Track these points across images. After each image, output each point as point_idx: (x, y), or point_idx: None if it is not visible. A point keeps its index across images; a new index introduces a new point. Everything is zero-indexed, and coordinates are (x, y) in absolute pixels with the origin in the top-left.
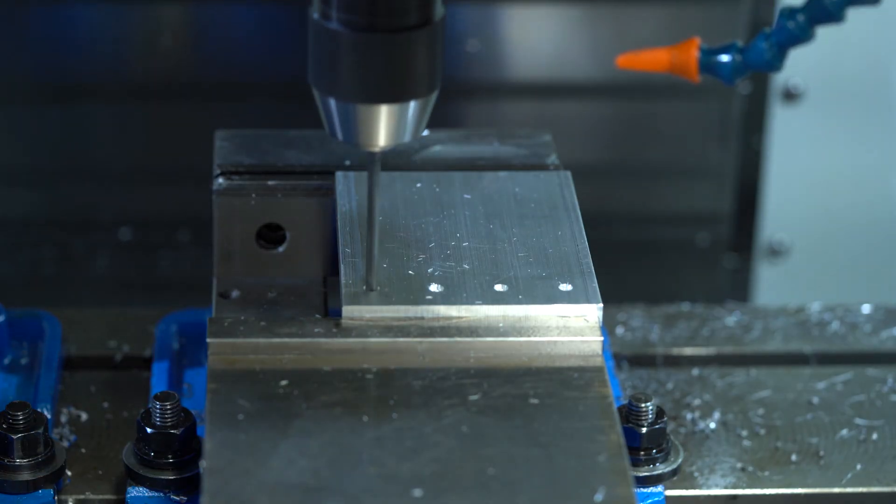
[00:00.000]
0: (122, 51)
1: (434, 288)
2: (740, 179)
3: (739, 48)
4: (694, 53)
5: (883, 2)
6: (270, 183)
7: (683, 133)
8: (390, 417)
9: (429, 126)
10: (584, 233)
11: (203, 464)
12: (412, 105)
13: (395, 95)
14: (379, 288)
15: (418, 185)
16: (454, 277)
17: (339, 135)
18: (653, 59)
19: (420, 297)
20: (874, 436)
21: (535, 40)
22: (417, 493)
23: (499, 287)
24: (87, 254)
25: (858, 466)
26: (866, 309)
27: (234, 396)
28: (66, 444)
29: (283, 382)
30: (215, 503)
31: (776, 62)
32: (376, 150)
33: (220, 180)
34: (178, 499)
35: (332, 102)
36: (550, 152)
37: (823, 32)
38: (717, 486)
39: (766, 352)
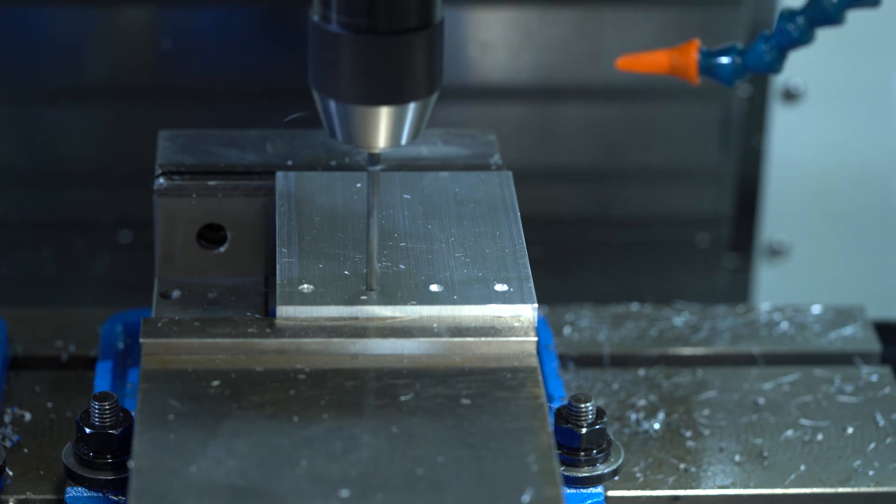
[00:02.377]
0: (122, 53)
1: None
2: (740, 179)
3: (739, 50)
4: (694, 56)
5: (883, 4)
6: (211, 183)
7: (683, 133)
8: (321, 418)
9: (427, 128)
10: (522, 233)
11: (131, 464)
12: (412, 107)
13: (395, 97)
14: (314, 288)
15: (359, 185)
16: (390, 278)
17: (339, 136)
18: (653, 62)
19: (355, 297)
20: (819, 437)
21: (534, 43)
22: (344, 493)
23: (434, 287)
24: (87, 255)
25: (802, 467)
26: (816, 309)
27: (164, 397)
28: (8, 444)
29: (215, 383)
30: (142, 503)
31: (776, 64)
32: (376, 151)
33: (161, 180)
34: (116, 499)
35: (332, 104)
36: (494, 152)
37: (823, 32)
38: (659, 486)
39: (713, 352)
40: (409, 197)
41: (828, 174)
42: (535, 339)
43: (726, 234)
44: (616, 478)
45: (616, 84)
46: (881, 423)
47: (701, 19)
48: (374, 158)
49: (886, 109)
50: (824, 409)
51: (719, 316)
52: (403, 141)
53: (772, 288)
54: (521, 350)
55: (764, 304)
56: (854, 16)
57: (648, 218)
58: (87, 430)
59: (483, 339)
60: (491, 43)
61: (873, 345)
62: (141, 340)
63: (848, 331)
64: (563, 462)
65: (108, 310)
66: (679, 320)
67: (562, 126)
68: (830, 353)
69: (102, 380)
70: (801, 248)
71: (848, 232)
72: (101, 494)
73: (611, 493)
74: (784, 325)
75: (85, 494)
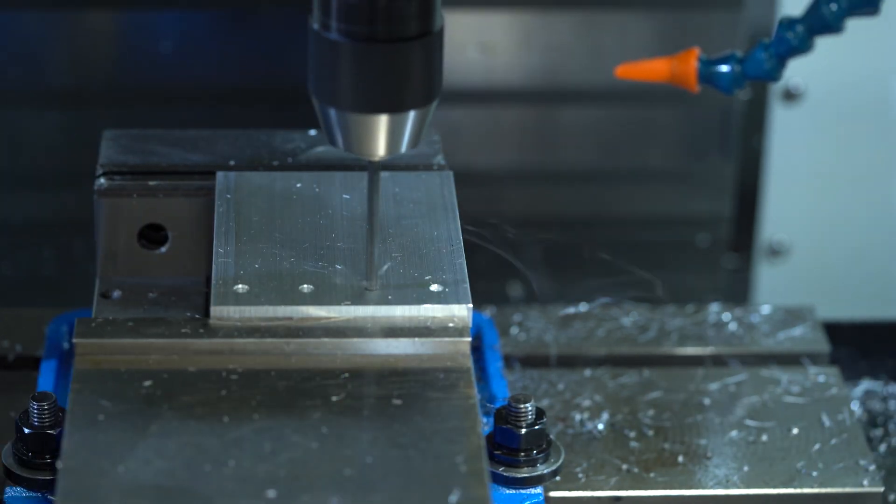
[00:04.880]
0: (122, 55)
1: (304, 288)
2: (740, 180)
3: (738, 58)
4: (693, 64)
5: (882, 10)
6: (152, 183)
7: (683, 134)
8: (251, 418)
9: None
10: (460, 233)
11: (59, 464)
12: (411, 115)
13: (394, 105)
14: (248, 288)
15: (298, 185)
16: (326, 278)
17: (340, 144)
18: (652, 70)
19: (289, 297)
20: (764, 437)
21: (534, 46)
22: (271, 493)
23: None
24: (87, 255)
25: (745, 468)
26: (765, 310)
27: (96, 397)
28: None
29: (147, 383)
30: (68, 503)
31: (775, 72)
32: (376, 159)
33: (102, 180)
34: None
35: (332, 112)
36: (437, 152)
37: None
38: (601, 487)
39: (660, 353)
40: (348, 197)
41: (828, 174)
42: (469, 339)
43: (726, 235)
44: (557, 478)
45: (616, 86)
46: (827, 423)
47: (700, 24)
48: (374, 166)
49: (886, 110)
50: (770, 410)
51: (668, 316)
52: (403, 149)
53: (772, 288)
54: (455, 350)
55: (713, 304)
56: (854, 18)
57: (648, 217)
58: (26, 430)
59: (417, 339)
60: (491, 45)
61: (822, 345)
62: (74, 341)
63: (797, 331)
64: (503, 463)
65: (56, 310)
66: (627, 320)
67: (562, 128)
68: (779, 353)
69: (46, 380)
70: (801, 248)
71: (848, 232)
72: (40, 495)
73: (553, 494)
74: (733, 326)
75: (24, 495)
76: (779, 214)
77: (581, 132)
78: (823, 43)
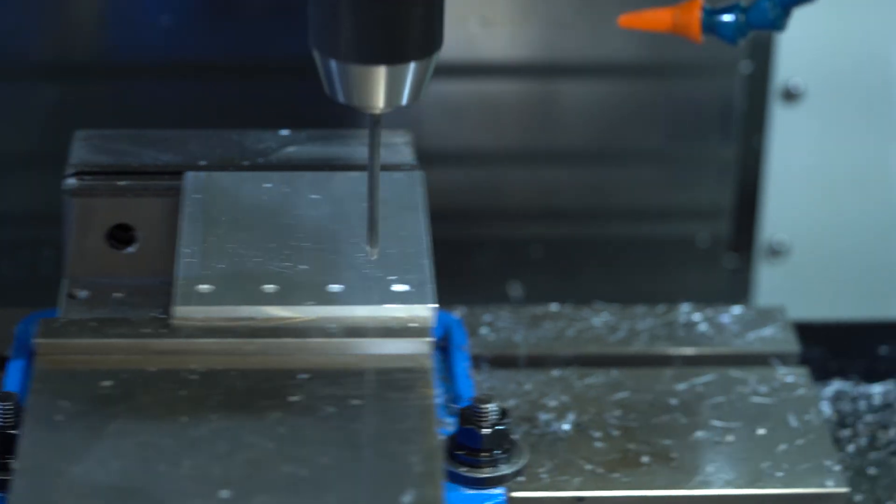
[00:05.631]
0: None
1: (268, 288)
2: (740, 179)
3: (743, 8)
4: (697, 13)
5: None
6: (121, 183)
7: (683, 133)
8: (209, 418)
9: (407, 107)
10: (427, 233)
11: (15, 464)
12: (411, 66)
13: (394, 56)
14: (212, 288)
15: (268, 185)
16: (290, 278)
17: (340, 96)
18: (655, 19)
19: (253, 297)
20: (729, 437)
21: (536, 19)
22: (224, 494)
23: (334, 288)
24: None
25: (710, 468)
26: (736, 310)
27: (55, 397)
28: None
29: (107, 383)
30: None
31: (779, 21)
32: (376, 111)
33: (72, 180)
34: None
35: (332, 64)
36: (409, 153)
37: (824, 32)
38: (564, 487)
39: (628, 353)
40: (317, 197)
41: (828, 174)
42: (431, 339)
43: (726, 234)
44: (520, 478)
45: (617, 63)
46: (794, 424)
47: None
48: (374, 119)
49: (886, 109)
50: (737, 410)
51: (638, 316)
52: (404, 101)
53: (772, 288)
54: (416, 351)
55: (684, 304)
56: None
57: (648, 217)
58: None
59: (379, 339)
60: (492, 19)
61: (792, 346)
62: (35, 341)
63: (767, 332)
64: (465, 463)
65: (27, 309)
66: (598, 321)
67: (563, 104)
68: (748, 353)
69: (12, 379)
70: (801, 248)
71: (848, 232)
72: (3, 495)
73: (516, 494)
74: (703, 327)
75: None
76: (779, 214)
77: (582, 110)
78: (823, 42)
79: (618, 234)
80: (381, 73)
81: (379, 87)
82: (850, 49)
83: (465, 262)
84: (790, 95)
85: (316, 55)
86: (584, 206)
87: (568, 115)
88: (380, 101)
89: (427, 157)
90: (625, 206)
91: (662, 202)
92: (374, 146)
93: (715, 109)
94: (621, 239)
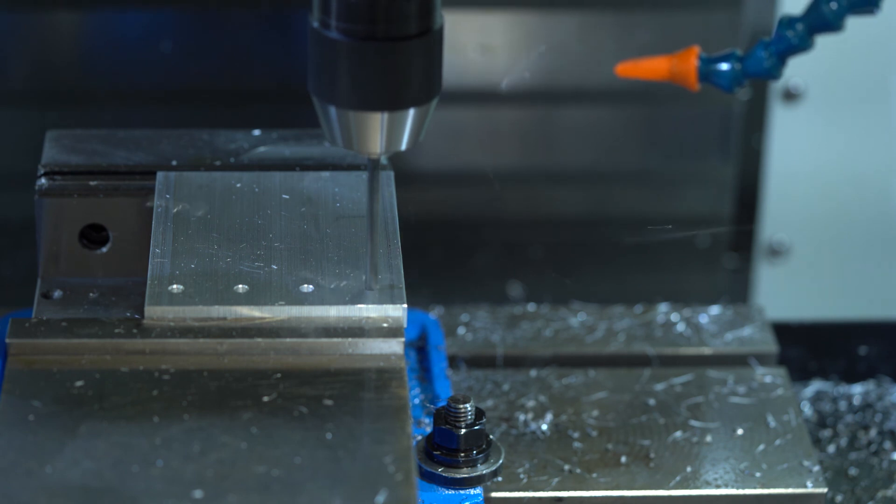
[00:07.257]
0: (126, 56)
1: (239, 288)
2: (740, 179)
3: (738, 57)
4: (693, 62)
5: (882, 9)
6: (93, 183)
7: (683, 134)
8: (181, 418)
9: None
10: (398, 233)
11: None
12: (411, 113)
13: (394, 103)
14: (183, 288)
15: (238, 185)
16: (261, 278)
17: (339, 142)
18: (652, 68)
19: (224, 297)
20: (707, 438)
21: (535, 46)
22: (197, 494)
23: (305, 288)
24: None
25: (688, 469)
26: (714, 310)
27: (27, 397)
28: None
29: (79, 383)
30: None
31: (775, 70)
32: (375, 157)
33: (43, 181)
34: None
35: (331, 110)
36: None
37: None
38: (542, 487)
39: (606, 353)
40: (287, 197)
41: (828, 174)
42: (403, 339)
43: (726, 235)
44: (498, 479)
45: (616, 86)
46: (772, 424)
47: (701, 24)
48: (374, 164)
49: (886, 109)
50: (715, 411)
51: (616, 316)
52: (403, 146)
53: (772, 288)
54: (389, 351)
55: (662, 304)
56: (854, 17)
57: (648, 217)
58: None
59: (350, 339)
60: (491, 46)
61: (770, 346)
62: (7, 341)
63: (745, 332)
64: (442, 463)
65: (4, 309)
66: (575, 321)
67: (561, 129)
68: (726, 354)
69: None
70: (801, 248)
71: (848, 232)
72: None
73: (494, 494)
74: (681, 327)
75: None
76: (779, 214)
77: (580, 134)
78: (823, 42)
79: (618, 235)
80: (380, 120)
81: (378, 133)
82: (850, 49)
83: (465, 263)
84: (790, 95)
85: (315, 101)
86: (584, 215)
87: (567, 137)
88: (379, 147)
89: (426, 178)
90: (625, 209)
91: (662, 204)
92: (373, 190)
93: (715, 110)
94: (621, 240)
